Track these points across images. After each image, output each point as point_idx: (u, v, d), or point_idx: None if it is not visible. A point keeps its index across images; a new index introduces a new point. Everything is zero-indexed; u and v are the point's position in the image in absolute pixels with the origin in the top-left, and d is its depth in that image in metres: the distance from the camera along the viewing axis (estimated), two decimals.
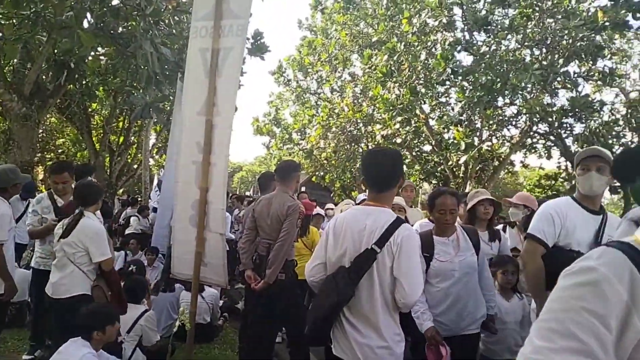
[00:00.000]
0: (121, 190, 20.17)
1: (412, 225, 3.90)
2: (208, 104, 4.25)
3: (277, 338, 4.81)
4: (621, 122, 13.10)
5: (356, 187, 19.58)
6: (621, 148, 13.43)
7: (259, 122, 19.39)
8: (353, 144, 17.20)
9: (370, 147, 16.46)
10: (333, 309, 2.28)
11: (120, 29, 8.14)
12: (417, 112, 13.03)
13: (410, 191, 5.14)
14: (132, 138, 16.32)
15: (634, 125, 13.00)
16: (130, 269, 5.54)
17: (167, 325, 5.37)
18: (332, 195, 19.52)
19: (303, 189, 19.21)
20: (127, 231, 9.53)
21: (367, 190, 2.76)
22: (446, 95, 13.33)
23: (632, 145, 13.57)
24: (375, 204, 2.42)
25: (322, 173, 18.42)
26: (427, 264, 3.17)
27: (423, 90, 12.18)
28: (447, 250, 3.18)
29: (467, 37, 11.83)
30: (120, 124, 16.13)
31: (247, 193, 21.88)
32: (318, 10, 16.95)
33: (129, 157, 16.43)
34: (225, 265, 4.25)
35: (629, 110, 12.98)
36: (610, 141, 12.66)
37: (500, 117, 12.43)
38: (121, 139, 15.71)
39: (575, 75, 11.99)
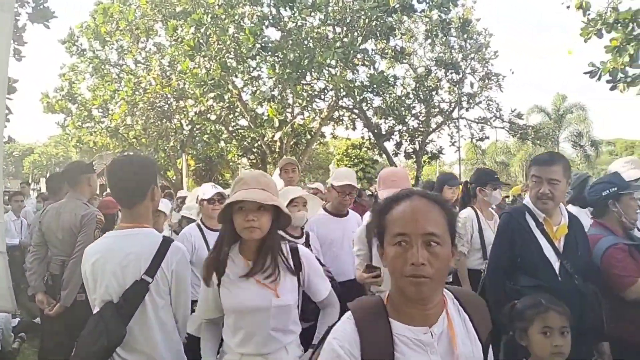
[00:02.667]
0: None
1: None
2: None
3: None
4: (411, 96, 14.86)
5: (171, 166, 18.59)
6: (412, 119, 15.31)
7: (49, 99, 16.79)
8: (165, 120, 16.17)
9: (182, 122, 15.73)
10: (105, 353, 1.99)
11: None
12: (230, 87, 12.78)
13: (292, 171, 4.33)
14: None
15: (422, 97, 14.86)
16: None
17: None
18: None
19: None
20: None
21: None
22: (258, 69, 13.32)
23: (421, 117, 15.56)
24: (131, 225, 2.13)
25: (131, 153, 16.98)
26: None
27: (234, 64, 11.94)
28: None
29: (274, 12, 11.91)
30: None
31: (44, 179, 19.04)
32: None
33: None
34: (11, 288, 3.57)
35: (417, 85, 14.76)
36: (403, 113, 14.28)
37: (310, 93, 12.95)
38: None
39: (373, 52, 13.13)
